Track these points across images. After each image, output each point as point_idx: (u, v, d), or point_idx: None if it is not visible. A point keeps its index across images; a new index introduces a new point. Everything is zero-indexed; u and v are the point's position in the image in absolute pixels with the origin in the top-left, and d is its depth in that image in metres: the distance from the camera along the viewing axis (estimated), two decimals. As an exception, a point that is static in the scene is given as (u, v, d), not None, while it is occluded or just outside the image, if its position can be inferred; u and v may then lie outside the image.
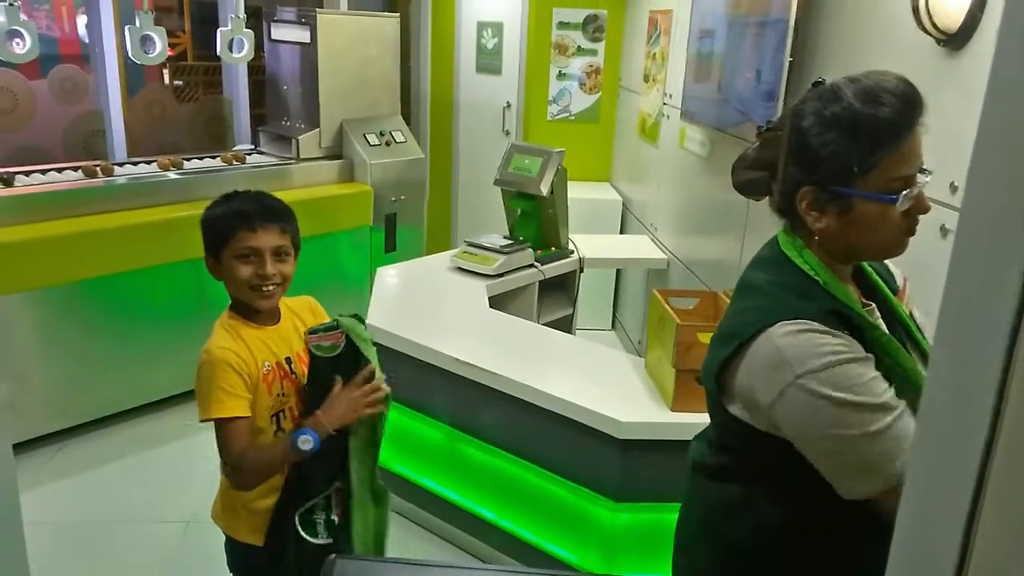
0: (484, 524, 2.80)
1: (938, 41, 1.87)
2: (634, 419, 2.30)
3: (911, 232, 1.21)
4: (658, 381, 2.46)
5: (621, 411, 2.33)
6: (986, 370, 0.56)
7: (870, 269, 1.36)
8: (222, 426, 1.63)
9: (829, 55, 2.51)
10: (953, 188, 1.83)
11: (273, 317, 1.79)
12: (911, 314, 1.36)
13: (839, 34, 2.46)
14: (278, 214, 1.73)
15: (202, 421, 1.64)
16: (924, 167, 1.20)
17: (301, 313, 1.86)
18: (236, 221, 1.68)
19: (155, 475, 3.42)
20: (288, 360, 1.77)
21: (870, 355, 1.16)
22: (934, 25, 1.85)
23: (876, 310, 1.31)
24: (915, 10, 1.90)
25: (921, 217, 1.95)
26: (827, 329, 1.15)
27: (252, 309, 1.74)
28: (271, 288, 1.70)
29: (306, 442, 1.62)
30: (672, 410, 2.32)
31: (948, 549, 0.60)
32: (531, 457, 2.61)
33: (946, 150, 1.87)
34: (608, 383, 2.54)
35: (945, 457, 0.61)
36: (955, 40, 1.82)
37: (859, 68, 2.29)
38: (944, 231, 1.88)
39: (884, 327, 1.28)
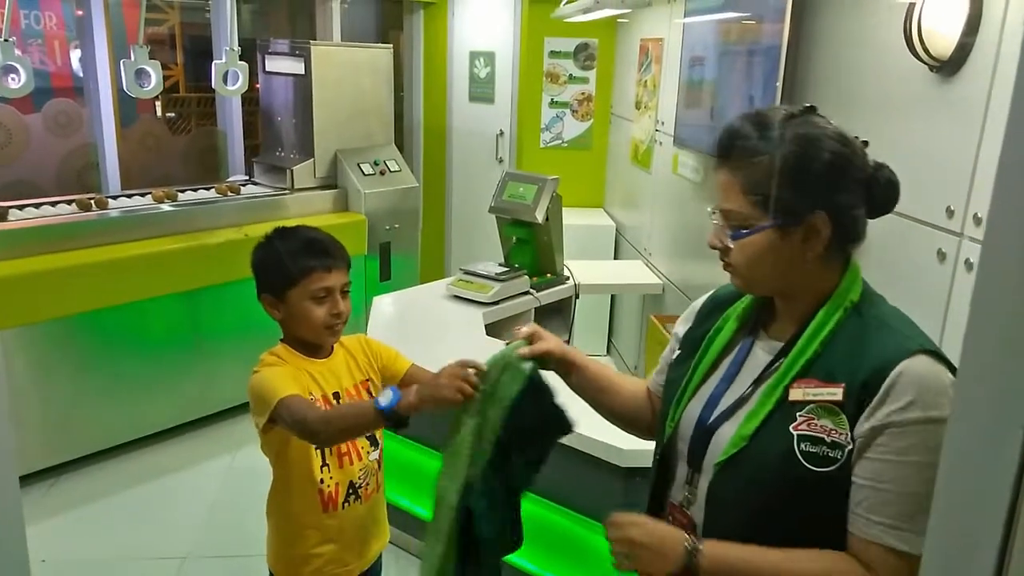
0: (485, 555, 2.77)
1: (931, 67, 1.89)
2: (636, 447, 2.28)
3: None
4: (658, 408, 2.45)
5: (623, 439, 2.30)
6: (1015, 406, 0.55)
7: (812, 337, 1.17)
8: (286, 405, 1.56)
9: (821, 81, 2.53)
10: (949, 212, 1.85)
11: (325, 351, 1.80)
12: (786, 394, 1.16)
13: (832, 60, 2.49)
14: (342, 253, 1.76)
15: (268, 422, 1.59)
16: (714, 208, 1.23)
17: (354, 351, 1.85)
18: (310, 262, 1.68)
19: (151, 510, 3.38)
20: (336, 395, 1.76)
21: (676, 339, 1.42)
22: (926, 51, 1.87)
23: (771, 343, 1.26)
24: (907, 36, 1.92)
25: (919, 240, 1.97)
26: (698, 310, 1.43)
27: (310, 346, 1.76)
28: (340, 326, 1.73)
29: (384, 395, 1.49)
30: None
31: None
32: (532, 487, 2.59)
33: (940, 175, 1.88)
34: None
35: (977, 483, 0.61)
36: (948, 66, 1.84)
37: (852, 93, 2.33)
38: (941, 255, 1.89)
39: (712, 348, 1.31)
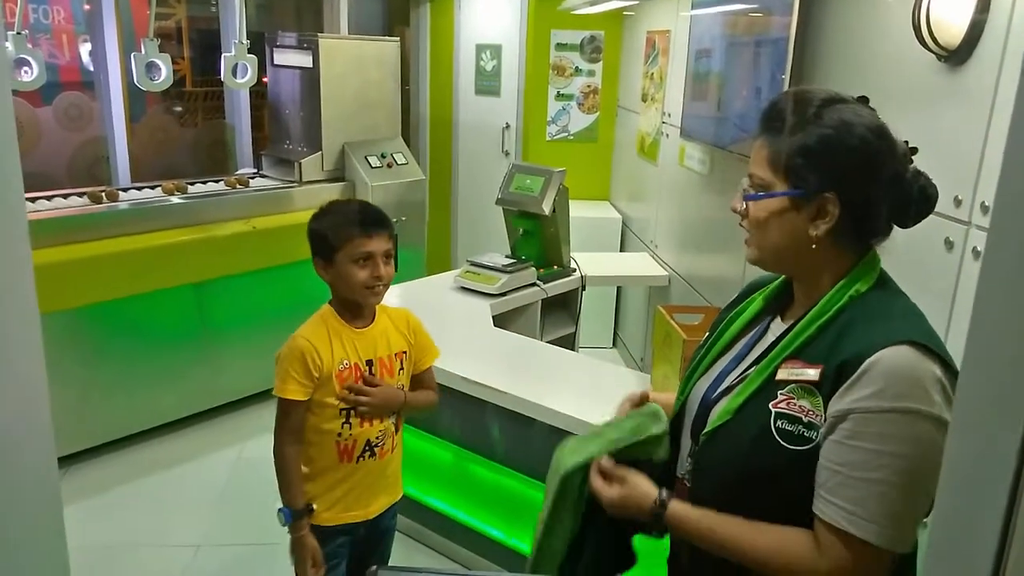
0: (493, 543, 2.79)
1: (939, 57, 1.90)
2: (644, 435, 2.30)
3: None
4: (666, 397, 2.47)
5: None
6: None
7: (811, 321, 1.19)
8: (279, 403, 1.88)
9: (829, 72, 2.54)
10: (957, 201, 1.86)
11: (367, 318, 1.96)
12: (774, 372, 1.19)
13: (839, 51, 2.49)
14: (386, 222, 1.93)
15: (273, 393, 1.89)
16: (750, 174, 1.25)
17: (398, 322, 2.02)
18: (353, 228, 1.86)
19: (162, 500, 3.41)
20: (369, 363, 1.93)
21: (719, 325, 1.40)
22: (935, 41, 1.88)
23: (775, 321, 1.31)
24: (916, 26, 1.93)
25: (927, 229, 1.98)
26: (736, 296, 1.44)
27: (353, 307, 1.92)
28: (381, 288, 1.89)
29: (280, 517, 1.90)
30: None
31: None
32: (539, 475, 2.61)
33: (948, 164, 1.89)
34: (615, 400, 2.54)
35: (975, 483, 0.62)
36: (956, 56, 1.85)
37: (860, 84, 2.33)
38: (949, 244, 1.90)
39: (731, 329, 1.36)
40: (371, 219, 1.90)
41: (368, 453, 1.94)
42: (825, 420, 1.11)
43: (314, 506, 1.91)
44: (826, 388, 1.12)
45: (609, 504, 1.28)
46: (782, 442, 1.14)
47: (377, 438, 1.95)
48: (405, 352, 2.01)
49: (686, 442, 1.34)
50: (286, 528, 1.90)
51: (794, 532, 1.14)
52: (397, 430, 2.02)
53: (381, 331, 1.97)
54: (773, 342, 1.24)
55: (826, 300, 1.19)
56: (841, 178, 1.16)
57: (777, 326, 1.29)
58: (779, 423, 1.15)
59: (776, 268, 1.30)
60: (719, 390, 1.28)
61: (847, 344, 1.13)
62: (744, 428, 1.19)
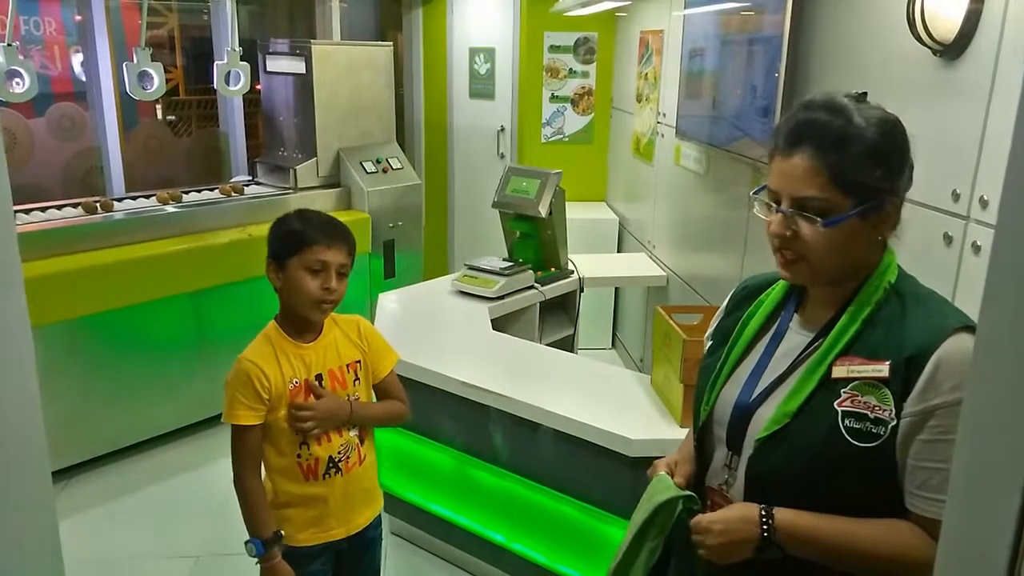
0: (495, 548, 2.78)
1: (934, 51, 1.89)
2: (644, 436, 2.29)
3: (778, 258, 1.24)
4: (665, 397, 2.46)
5: (631, 429, 2.32)
6: None
7: (853, 316, 1.19)
8: (232, 430, 1.82)
9: (824, 68, 2.53)
10: (955, 196, 1.85)
11: (315, 331, 1.89)
12: (827, 374, 1.18)
13: (834, 47, 2.48)
14: (349, 236, 1.88)
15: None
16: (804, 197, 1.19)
17: (348, 330, 1.95)
18: (313, 234, 1.81)
19: (162, 510, 3.39)
20: (319, 377, 1.86)
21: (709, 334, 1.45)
22: (930, 35, 1.87)
23: (803, 325, 1.29)
24: (910, 21, 1.92)
25: (926, 224, 1.97)
26: (729, 300, 1.45)
27: (299, 322, 1.86)
28: (328, 305, 1.83)
29: (250, 549, 1.82)
30: (682, 426, 2.31)
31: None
32: (541, 478, 2.60)
33: (946, 159, 1.88)
34: (616, 401, 2.54)
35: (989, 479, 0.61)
36: (951, 50, 1.84)
37: (856, 80, 2.32)
38: (948, 239, 1.89)
39: (745, 333, 1.34)
40: (333, 230, 1.84)
41: (333, 469, 1.88)
42: (897, 416, 1.11)
43: (282, 532, 1.85)
44: (896, 382, 1.12)
45: (714, 545, 1.22)
46: (853, 440, 1.13)
47: (339, 453, 1.88)
48: (359, 361, 1.93)
49: (720, 453, 1.32)
50: (255, 560, 1.83)
51: (903, 525, 1.13)
52: (363, 442, 1.95)
53: (330, 342, 1.90)
54: (813, 340, 1.23)
55: (864, 295, 1.20)
56: (899, 179, 1.17)
57: (800, 328, 1.28)
58: (847, 421, 1.14)
59: (825, 283, 1.25)
60: (755, 394, 1.27)
61: (907, 337, 1.14)
62: (807, 430, 1.17)
